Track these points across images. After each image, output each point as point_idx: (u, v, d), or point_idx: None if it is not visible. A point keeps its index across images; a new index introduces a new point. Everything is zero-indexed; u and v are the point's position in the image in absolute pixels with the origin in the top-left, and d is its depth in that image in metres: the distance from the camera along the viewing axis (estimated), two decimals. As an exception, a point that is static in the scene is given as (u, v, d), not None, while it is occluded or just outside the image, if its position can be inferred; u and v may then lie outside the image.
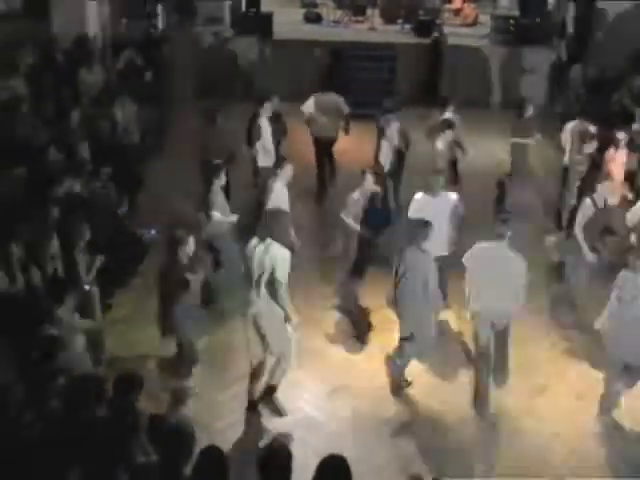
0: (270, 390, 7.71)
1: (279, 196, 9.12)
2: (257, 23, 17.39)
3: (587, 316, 8.65)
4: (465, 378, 8.32)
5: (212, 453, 5.06)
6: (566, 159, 11.67)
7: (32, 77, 11.56)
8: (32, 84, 11.38)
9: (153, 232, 9.80)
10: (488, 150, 13.09)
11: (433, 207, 8.76)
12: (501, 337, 7.95)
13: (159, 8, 16.76)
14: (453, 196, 9.20)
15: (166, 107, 14.21)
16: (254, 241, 7.29)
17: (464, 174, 12.46)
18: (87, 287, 7.80)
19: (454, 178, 11.83)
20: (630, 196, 10.34)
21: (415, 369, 8.36)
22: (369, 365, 8.51)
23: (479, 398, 7.85)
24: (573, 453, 7.36)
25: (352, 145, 13.96)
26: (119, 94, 11.52)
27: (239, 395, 7.87)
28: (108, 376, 6.25)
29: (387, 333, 8.94)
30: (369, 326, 9.24)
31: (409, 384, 8.15)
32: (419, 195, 9.11)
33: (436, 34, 17.06)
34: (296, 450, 5.33)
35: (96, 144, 10.16)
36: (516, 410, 7.90)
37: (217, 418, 7.55)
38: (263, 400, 7.72)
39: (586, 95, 14.45)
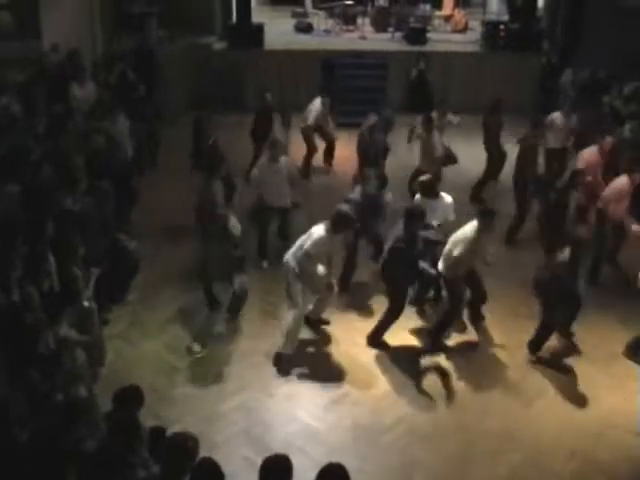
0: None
1: None
2: (248, 34, 17.46)
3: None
4: (465, 386, 8.34)
5: (206, 465, 5.07)
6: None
7: (24, 93, 11.57)
8: (24, 100, 11.38)
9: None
10: (479, 155, 13.12)
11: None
12: None
13: (150, 22, 16.77)
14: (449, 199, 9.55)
15: (159, 120, 14.21)
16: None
17: (456, 180, 12.49)
18: (86, 303, 7.80)
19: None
20: None
21: (417, 376, 8.40)
22: (368, 374, 8.50)
23: None
24: (574, 456, 7.37)
25: (345, 153, 14.04)
26: (112, 109, 11.52)
27: (241, 406, 7.89)
28: (107, 391, 6.25)
29: (387, 341, 8.99)
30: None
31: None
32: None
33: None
34: (296, 460, 5.32)
35: (90, 159, 10.16)
36: (515, 417, 7.91)
37: (218, 430, 7.54)
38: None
39: (576, 98, 14.50)
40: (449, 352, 8.89)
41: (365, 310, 9.64)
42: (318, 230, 8.37)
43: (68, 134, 10.82)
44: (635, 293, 8.92)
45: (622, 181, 10.11)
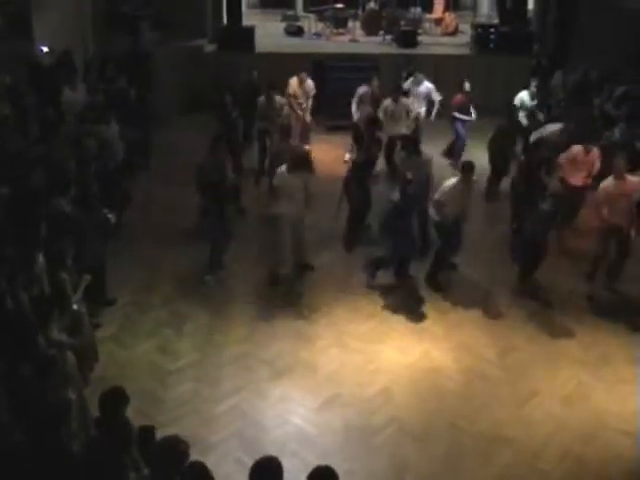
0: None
1: None
2: (239, 37, 17.47)
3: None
4: (457, 386, 8.37)
5: (197, 469, 5.07)
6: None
7: (14, 96, 11.53)
8: (15, 103, 11.35)
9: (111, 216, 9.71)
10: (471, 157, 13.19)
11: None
12: None
13: (142, 24, 16.76)
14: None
15: (151, 123, 14.22)
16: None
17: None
18: (75, 306, 7.79)
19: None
20: None
21: (407, 378, 8.43)
22: (359, 376, 8.52)
23: None
24: (565, 457, 7.41)
25: (334, 155, 14.12)
26: (104, 112, 11.50)
27: (235, 408, 7.91)
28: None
29: (375, 345, 9.02)
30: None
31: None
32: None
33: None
34: (288, 463, 5.34)
35: (82, 163, 10.15)
36: (505, 417, 7.94)
37: (212, 433, 7.56)
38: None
39: (567, 101, 14.57)
40: (444, 291, 10.01)
41: (356, 312, 9.66)
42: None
43: (60, 138, 10.81)
44: (628, 296, 8.99)
45: (609, 183, 10.03)
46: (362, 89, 14.24)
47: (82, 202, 9.10)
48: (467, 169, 9.98)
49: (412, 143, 11.32)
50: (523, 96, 13.99)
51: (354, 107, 14.17)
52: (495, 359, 8.84)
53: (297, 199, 9.97)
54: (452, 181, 10.01)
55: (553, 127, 12.82)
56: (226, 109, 13.06)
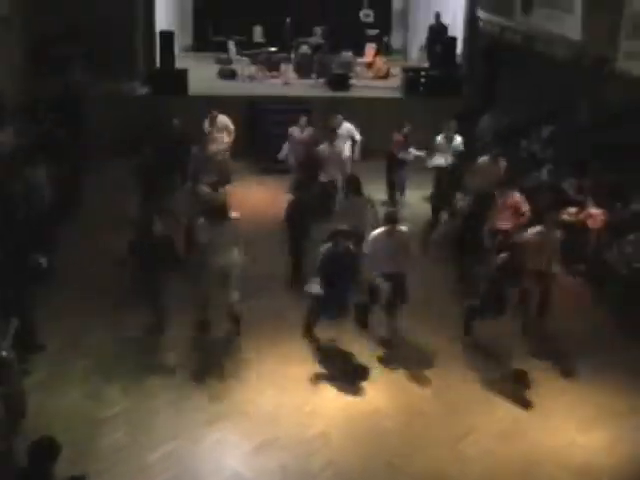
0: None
1: None
2: (172, 80, 17.46)
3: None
4: (394, 424, 8.36)
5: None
6: None
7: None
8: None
9: (42, 260, 9.56)
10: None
11: None
12: None
13: (74, 65, 16.62)
14: None
15: (82, 165, 14.05)
16: None
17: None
18: (4, 353, 7.56)
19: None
20: None
21: (344, 419, 8.39)
22: (296, 417, 8.44)
23: None
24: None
25: (268, 198, 14.15)
26: (32, 154, 11.32)
27: (170, 455, 7.75)
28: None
29: (314, 385, 8.98)
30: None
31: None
32: None
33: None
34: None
35: (7, 206, 9.95)
36: (441, 454, 7.95)
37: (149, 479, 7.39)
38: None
39: (494, 143, 14.90)
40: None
41: (289, 357, 9.61)
42: None
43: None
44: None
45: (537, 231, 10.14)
46: (293, 130, 14.37)
47: (9, 247, 8.91)
48: (387, 219, 9.71)
49: (353, 183, 11.30)
50: (439, 139, 14.07)
51: (285, 149, 14.26)
52: (432, 394, 8.88)
53: (225, 250, 9.72)
54: (375, 232, 9.74)
55: (483, 158, 13.01)
56: (145, 160, 12.98)
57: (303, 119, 14.45)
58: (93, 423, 8.16)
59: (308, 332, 9.86)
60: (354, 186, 11.23)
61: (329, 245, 9.48)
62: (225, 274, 9.82)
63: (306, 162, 12.79)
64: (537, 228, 10.19)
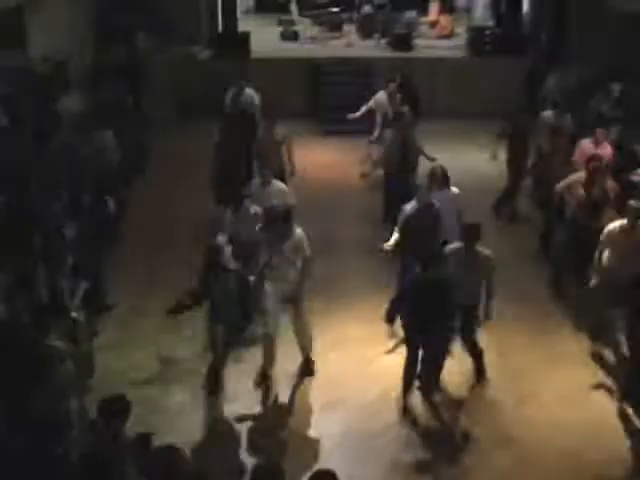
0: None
1: None
2: (235, 43, 17.47)
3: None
4: (454, 390, 8.37)
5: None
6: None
7: (10, 104, 11.53)
8: (11, 112, 11.35)
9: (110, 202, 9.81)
10: (467, 161, 13.26)
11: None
12: None
13: (137, 32, 16.77)
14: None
15: (148, 130, 14.23)
16: None
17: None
18: (74, 314, 7.78)
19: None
20: None
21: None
22: (360, 379, 8.50)
23: None
24: (564, 457, 7.40)
25: (334, 160, 14.12)
26: (99, 121, 11.50)
27: (230, 415, 7.90)
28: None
29: (378, 346, 9.01)
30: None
31: None
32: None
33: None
34: (287, 467, 5.33)
35: (78, 171, 10.16)
36: (506, 418, 7.94)
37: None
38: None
39: (562, 102, 14.53)
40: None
41: (354, 316, 9.65)
42: None
43: (55, 147, 10.82)
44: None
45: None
46: (379, 95, 13.41)
47: (78, 210, 9.12)
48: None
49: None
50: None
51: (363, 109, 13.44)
52: (496, 360, 8.80)
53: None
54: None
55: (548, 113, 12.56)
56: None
57: (392, 85, 13.48)
58: (160, 382, 8.35)
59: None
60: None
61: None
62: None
63: None
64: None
